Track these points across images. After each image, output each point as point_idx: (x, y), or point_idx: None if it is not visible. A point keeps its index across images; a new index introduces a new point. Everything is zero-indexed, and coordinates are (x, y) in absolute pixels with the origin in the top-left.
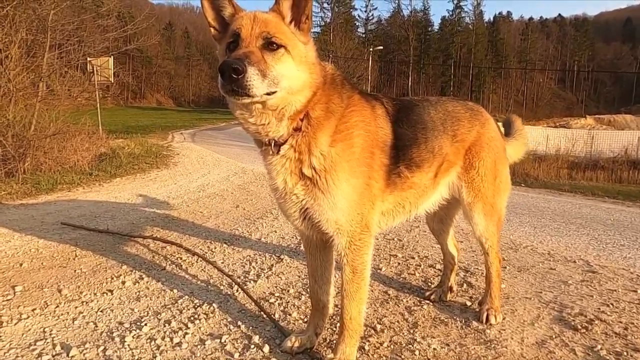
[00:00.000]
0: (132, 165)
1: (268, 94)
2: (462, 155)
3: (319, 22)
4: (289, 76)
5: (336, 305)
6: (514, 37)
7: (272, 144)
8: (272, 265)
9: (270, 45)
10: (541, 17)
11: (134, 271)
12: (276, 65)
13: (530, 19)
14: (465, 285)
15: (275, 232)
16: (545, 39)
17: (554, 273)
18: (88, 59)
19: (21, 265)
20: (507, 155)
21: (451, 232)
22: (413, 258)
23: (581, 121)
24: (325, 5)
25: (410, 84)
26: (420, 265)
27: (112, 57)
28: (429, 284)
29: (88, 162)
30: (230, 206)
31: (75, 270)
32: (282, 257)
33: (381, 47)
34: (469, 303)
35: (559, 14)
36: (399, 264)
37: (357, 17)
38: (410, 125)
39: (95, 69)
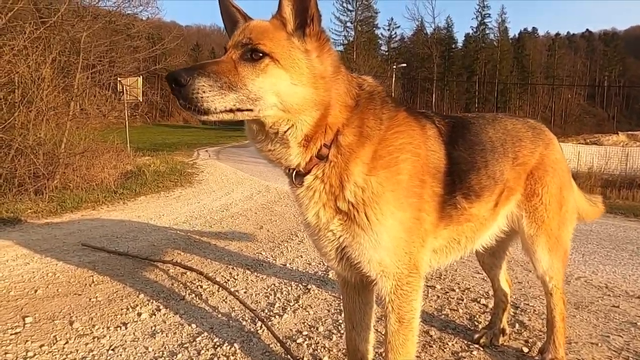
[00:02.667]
0: (156, 183)
1: (240, 110)
2: (524, 180)
3: (342, 41)
4: (277, 91)
5: (377, 354)
6: (540, 52)
7: (292, 175)
8: (299, 296)
9: (251, 54)
10: (568, 33)
11: (151, 301)
12: (256, 78)
13: (557, 34)
14: (517, 325)
15: (301, 257)
16: (572, 54)
17: (618, 312)
18: (118, 79)
19: (36, 291)
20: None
21: (504, 267)
22: (453, 290)
23: (613, 138)
24: (348, 24)
25: (434, 100)
26: (462, 299)
27: (141, 76)
28: (475, 322)
29: (114, 180)
30: (253, 227)
31: (90, 299)
32: (309, 286)
33: (404, 65)
34: (525, 349)
35: (587, 29)
36: (438, 297)
37: (380, 35)
38: (468, 147)
39: (124, 88)
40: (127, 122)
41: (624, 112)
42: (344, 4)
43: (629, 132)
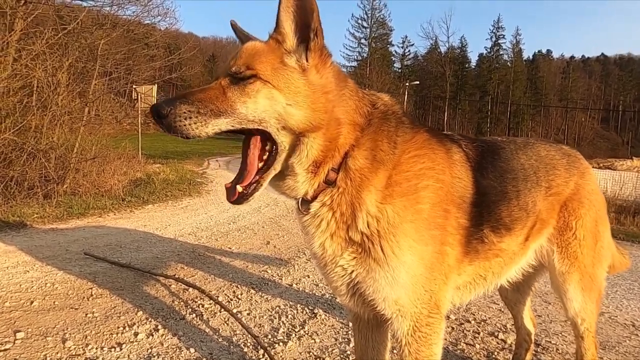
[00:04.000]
0: (165, 192)
1: (246, 128)
2: (557, 212)
3: (356, 57)
4: (276, 114)
5: None
6: (555, 75)
7: (299, 201)
8: (305, 321)
9: (240, 78)
10: (583, 56)
11: (149, 319)
12: (248, 100)
13: (572, 57)
14: None
15: (308, 276)
16: (587, 77)
17: None
18: (134, 86)
19: (32, 303)
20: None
21: (528, 303)
22: (469, 322)
23: (627, 163)
24: (362, 41)
25: (445, 119)
26: (478, 333)
27: (156, 85)
28: None
29: (123, 187)
30: (260, 242)
31: (86, 314)
32: (315, 310)
33: (417, 82)
34: None
35: (602, 53)
36: (452, 329)
37: (394, 52)
38: (498, 175)
39: (139, 96)
40: (140, 129)
41: (638, 137)
42: (359, 21)
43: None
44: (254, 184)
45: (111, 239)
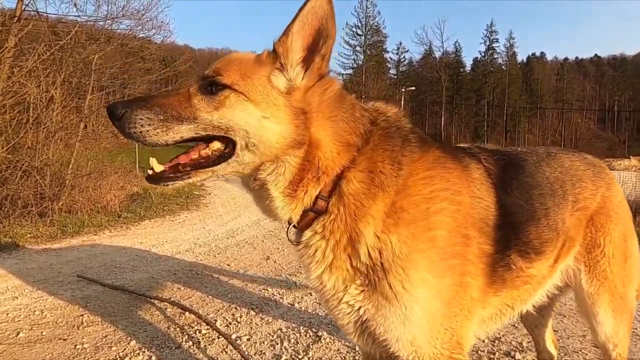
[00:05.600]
0: (162, 207)
1: (213, 137)
2: (583, 228)
3: (351, 64)
4: (245, 127)
5: None
6: (549, 77)
7: (287, 230)
8: (309, 346)
9: (210, 86)
10: (577, 57)
11: (142, 350)
12: (214, 111)
13: (566, 59)
14: None
15: (310, 294)
16: (582, 78)
17: None
18: None
19: (18, 334)
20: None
21: (550, 325)
22: (482, 340)
23: (625, 162)
24: (357, 48)
25: (442, 124)
26: (494, 354)
27: None
28: None
29: (120, 202)
30: (260, 257)
31: (75, 346)
32: (319, 333)
33: (413, 88)
34: None
35: (595, 54)
36: None
37: (389, 59)
38: (524, 191)
39: None
40: (136, 143)
41: (635, 137)
42: (354, 29)
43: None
44: (181, 174)
45: (106, 258)
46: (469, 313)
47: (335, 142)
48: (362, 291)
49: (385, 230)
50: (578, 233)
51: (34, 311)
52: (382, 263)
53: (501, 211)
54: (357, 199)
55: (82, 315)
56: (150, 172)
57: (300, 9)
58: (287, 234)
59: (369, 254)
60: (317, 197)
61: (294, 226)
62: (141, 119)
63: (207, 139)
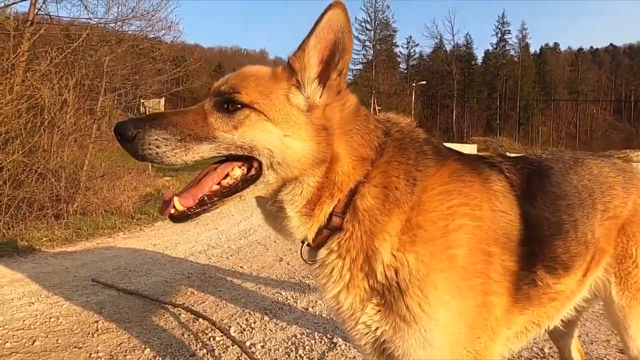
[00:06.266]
0: None
1: (234, 156)
2: (614, 237)
3: (361, 60)
4: (264, 145)
5: None
6: (563, 68)
7: (301, 248)
8: (324, 353)
9: (227, 104)
10: (591, 47)
11: (156, 359)
12: (233, 131)
13: (580, 49)
14: None
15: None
16: (597, 69)
17: None
18: (141, 100)
19: (34, 343)
20: None
21: (575, 335)
22: None
23: None
24: (367, 43)
25: (454, 118)
26: None
27: (162, 98)
28: None
29: (133, 203)
30: (273, 259)
31: (90, 354)
32: (335, 340)
33: (424, 82)
34: None
35: (611, 43)
36: None
37: (398, 53)
38: (550, 203)
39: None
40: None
41: None
42: (363, 23)
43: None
44: (208, 206)
45: (120, 261)
46: (493, 334)
47: (351, 157)
48: (379, 311)
49: (401, 249)
50: (608, 244)
51: (50, 318)
52: (398, 283)
53: (526, 225)
54: (372, 215)
55: (96, 321)
56: (173, 211)
57: (317, 23)
58: (300, 253)
59: (385, 273)
60: (331, 214)
61: (307, 245)
62: (156, 139)
63: (228, 158)
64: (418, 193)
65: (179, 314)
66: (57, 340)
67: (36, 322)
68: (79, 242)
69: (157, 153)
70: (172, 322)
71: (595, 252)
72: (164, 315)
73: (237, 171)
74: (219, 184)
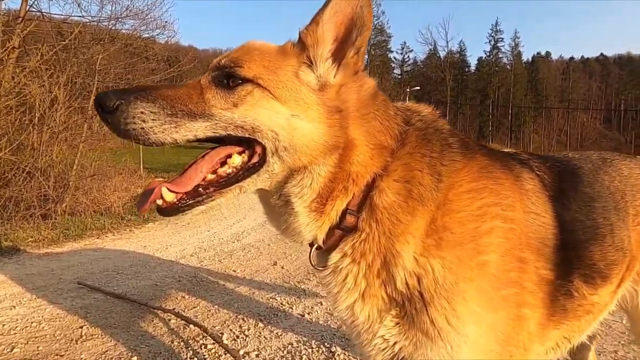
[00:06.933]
0: None
1: (233, 136)
2: None
3: None
4: (268, 126)
5: None
6: (554, 76)
7: (311, 252)
8: None
9: (227, 79)
10: (582, 56)
11: None
12: (233, 108)
13: (571, 58)
14: None
15: (321, 304)
16: (587, 78)
17: None
18: None
19: (12, 350)
20: None
21: (593, 349)
22: None
23: None
24: None
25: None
26: None
27: None
28: None
29: (123, 204)
30: (267, 263)
31: None
32: (333, 348)
33: (418, 88)
34: None
35: (601, 53)
36: None
37: (393, 59)
38: (584, 204)
39: None
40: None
41: None
42: None
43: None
44: (202, 197)
45: (108, 263)
46: (526, 351)
47: (368, 144)
48: (397, 324)
49: (425, 253)
50: (638, 250)
51: (32, 322)
52: (420, 292)
53: (561, 229)
54: (392, 213)
55: (81, 327)
56: (160, 202)
57: None
58: (309, 258)
59: (406, 280)
60: (344, 212)
61: (316, 247)
62: (142, 112)
63: (226, 140)
64: (444, 190)
65: (169, 320)
66: (37, 347)
67: (17, 327)
68: (66, 243)
69: (142, 128)
70: (161, 328)
71: (631, 260)
72: (152, 321)
73: (237, 159)
74: (215, 172)
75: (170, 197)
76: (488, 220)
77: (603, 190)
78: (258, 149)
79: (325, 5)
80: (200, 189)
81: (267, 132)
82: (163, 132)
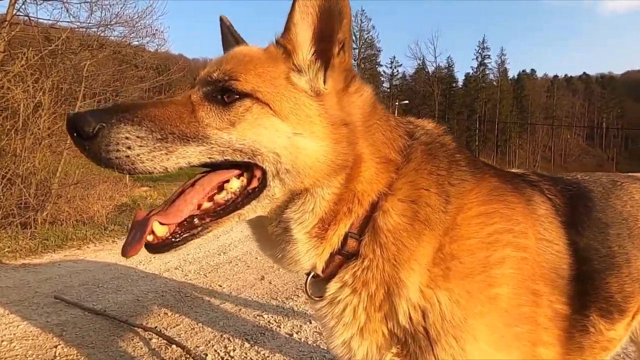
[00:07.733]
0: None
1: (230, 162)
2: None
3: None
4: (270, 148)
5: None
6: (539, 93)
7: (306, 281)
8: None
9: (222, 94)
10: (566, 75)
11: None
12: (230, 128)
13: (555, 76)
14: None
15: (310, 322)
16: (571, 95)
17: None
18: None
19: None
20: None
21: None
22: None
23: None
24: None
25: None
26: None
27: None
28: None
29: (107, 213)
30: (254, 278)
31: None
32: None
33: (406, 102)
34: None
35: (584, 72)
36: None
37: (382, 72)
38: (598, 231)
39: None
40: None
41: (623, 154)
42: None
43: (630, 174)
44: (198, 229)
45: (88, 276)
46: None
47: (374, 159)
48: None
49: (432, 284)
50: None
51: (2, 341)
52: (425, 329)
53: (575, 258)
54: (397, 237)
55: (55, 346)
56: (151, 238)
57: None
58: (305, 287)
59: (410, 314)
60: (346, 236)
61: (313, 275)
62: (127, 137)
63: (222, 166)
64: (452, 213)
65: (150, 339)
66: None
67: None
68: (45, 253)
69: (127, 156)
70: (141, 348)
71: None
72: (132, 340)
73: (235, 183)
74: (211, 199)
75: (162, 231)
76: (499, 249)
77: (616, 216)
78: (257, 173)
79: (292, 8)
80: (196, 219)
81: (268, 155)
82: (152, 160)
